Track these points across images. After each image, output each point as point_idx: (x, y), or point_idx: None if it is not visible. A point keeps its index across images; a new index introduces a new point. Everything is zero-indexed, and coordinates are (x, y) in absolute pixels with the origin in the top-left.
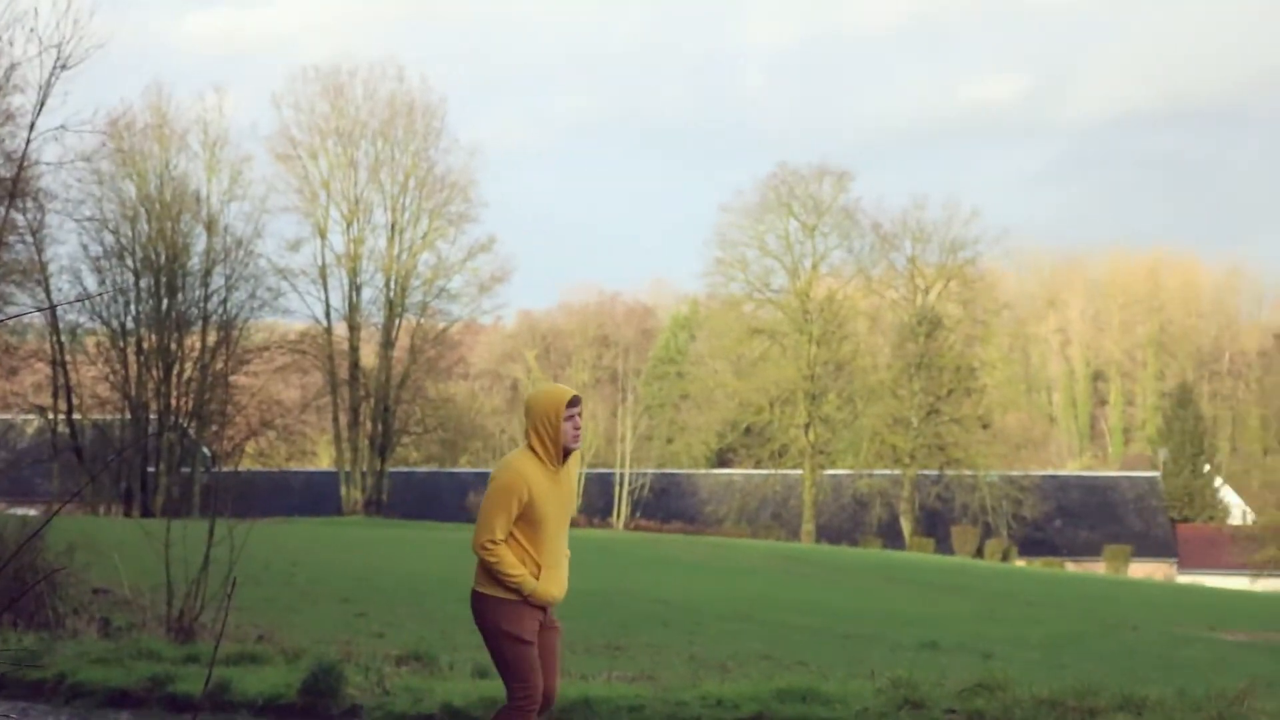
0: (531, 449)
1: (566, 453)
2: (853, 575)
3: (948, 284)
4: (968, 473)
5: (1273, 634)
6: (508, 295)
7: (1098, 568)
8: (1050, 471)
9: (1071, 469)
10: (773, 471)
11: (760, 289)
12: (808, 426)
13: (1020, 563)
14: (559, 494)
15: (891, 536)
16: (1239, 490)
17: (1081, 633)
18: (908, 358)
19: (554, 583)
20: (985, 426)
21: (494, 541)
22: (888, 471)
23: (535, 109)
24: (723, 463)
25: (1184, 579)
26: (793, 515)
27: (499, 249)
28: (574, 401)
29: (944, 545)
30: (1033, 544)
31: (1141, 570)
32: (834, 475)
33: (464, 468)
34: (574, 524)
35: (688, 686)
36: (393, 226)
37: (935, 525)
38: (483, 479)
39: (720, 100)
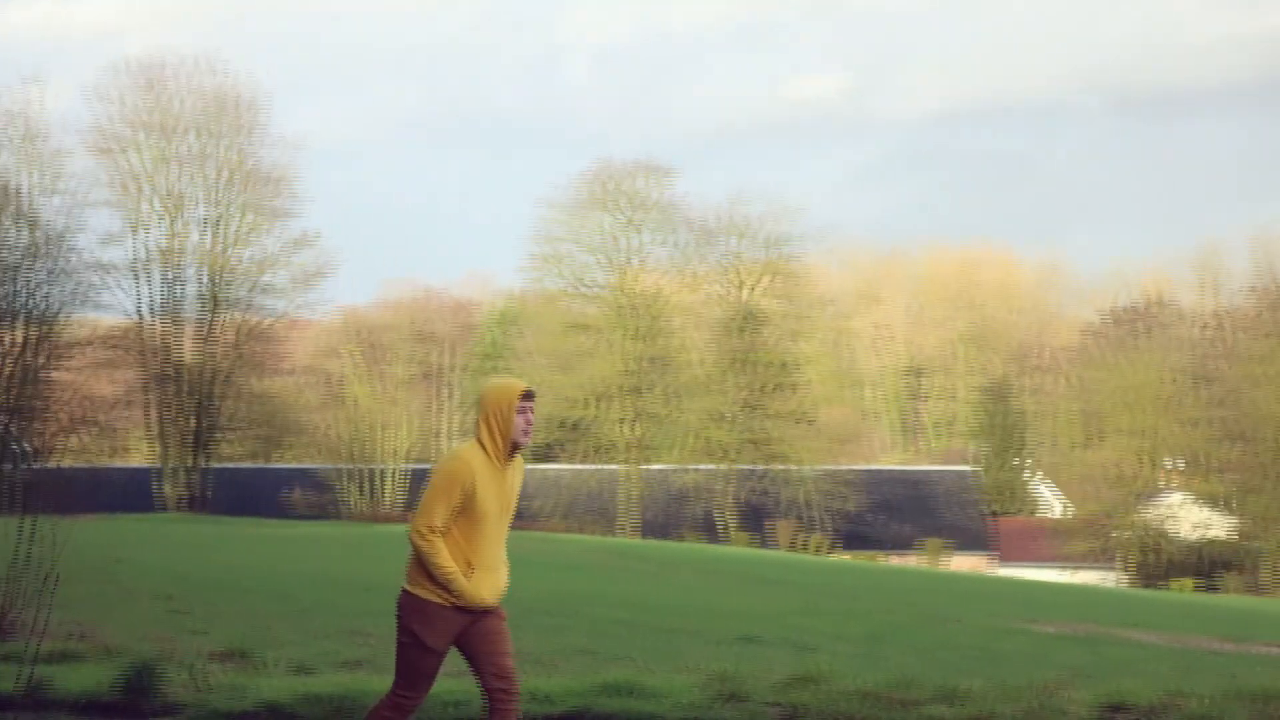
0: (480, 442)
1: (515, 449)
2: (674, 570)
3: (768, 280)
4: (788, 467)
5: (1089, 625)
6: (329, 290)
7: (916, 561)
8: (869, 466)
9: (890, 463)
10: (595, 467)
11: (581, 284)
12: (629, 422)
13: (840, 556)
14: (502, 493)
15: (712, 531)
16: (1054, 484)
17: (901, 625)
18: (728, 353)
19: (485, 585)
20: (805, 422)
21: (432, 529)
22: (708, 466)
23: (359, 103)
24: (544, 458)
25: (1001, 572)
26: (615, 510)
27: (320, 244)
28: (528, 395)
29: (764, 540)
30: (852, 538)
31: (960, 563)
32: (655, 470)
33: (284, 464)
34: (392, 520)
35: None
36: (213, 221)
37: (756, 520)
38: (303, 475)
39: (545, 95)
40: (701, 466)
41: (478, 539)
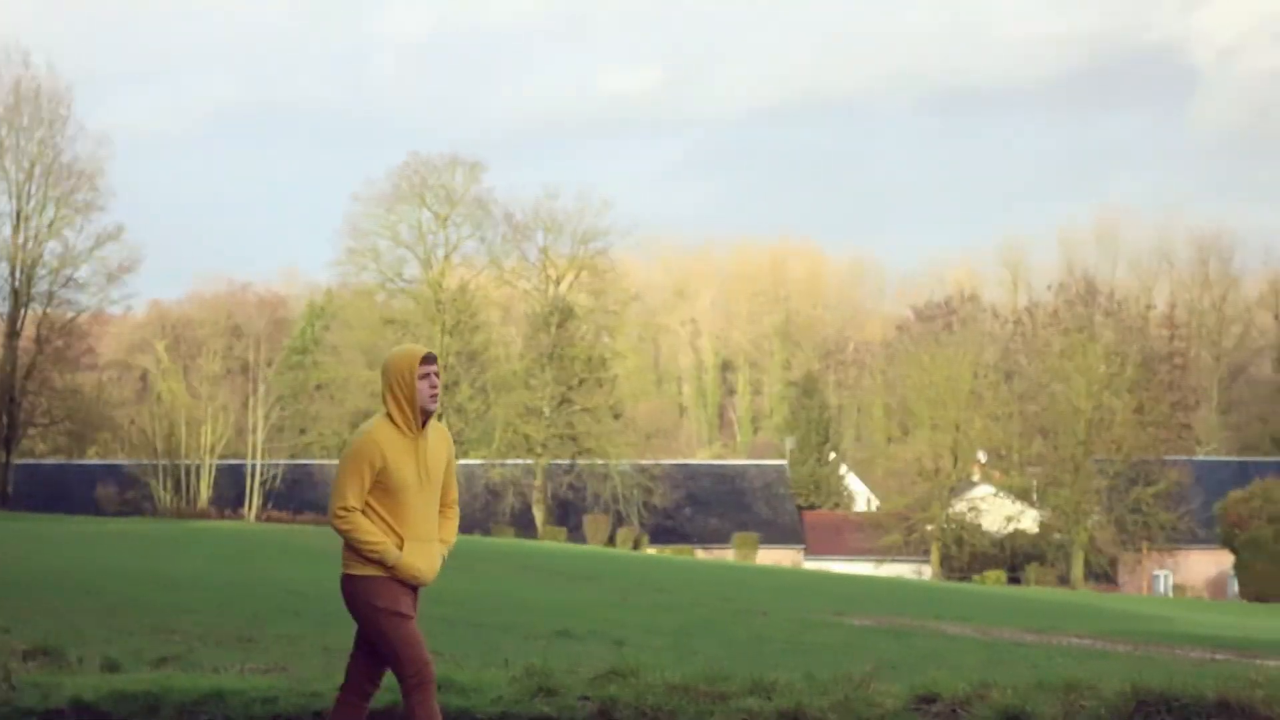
0: (388, 416)
1: (425, 415)
2: (486, 564)
3: (579, 275)
4: (599, 462)
5: (896, 617)
6: (137, 285)
7: (727, 555)
8: (680, 460)
9: (701, 458)
10: None
11: (392, 279)
12: (441, 416)
13: (652, 550)
14: (420, 462)
15: (524, 525)
16: (863, 478)
17: (712, 619)
18: (540, 348)
19: (420, 556)
20: (616, 416)
21: (346, 509)
22: (520, 461)
23: (169, 96)
24: None
25: (811, 565)
26: None
27: (128, 238)
28: (428, 359)
29: (576, 534)
30: (664, 532)
31: (770, 557)
32: (467, 465)
33: (92, 460)
34: (204, 515)
35: (322, 678)
36: (18, 214)
37: (568, 514)
38: (113, 471)
39: (358, 89)
40: (513, 461)
41: (402, 512)
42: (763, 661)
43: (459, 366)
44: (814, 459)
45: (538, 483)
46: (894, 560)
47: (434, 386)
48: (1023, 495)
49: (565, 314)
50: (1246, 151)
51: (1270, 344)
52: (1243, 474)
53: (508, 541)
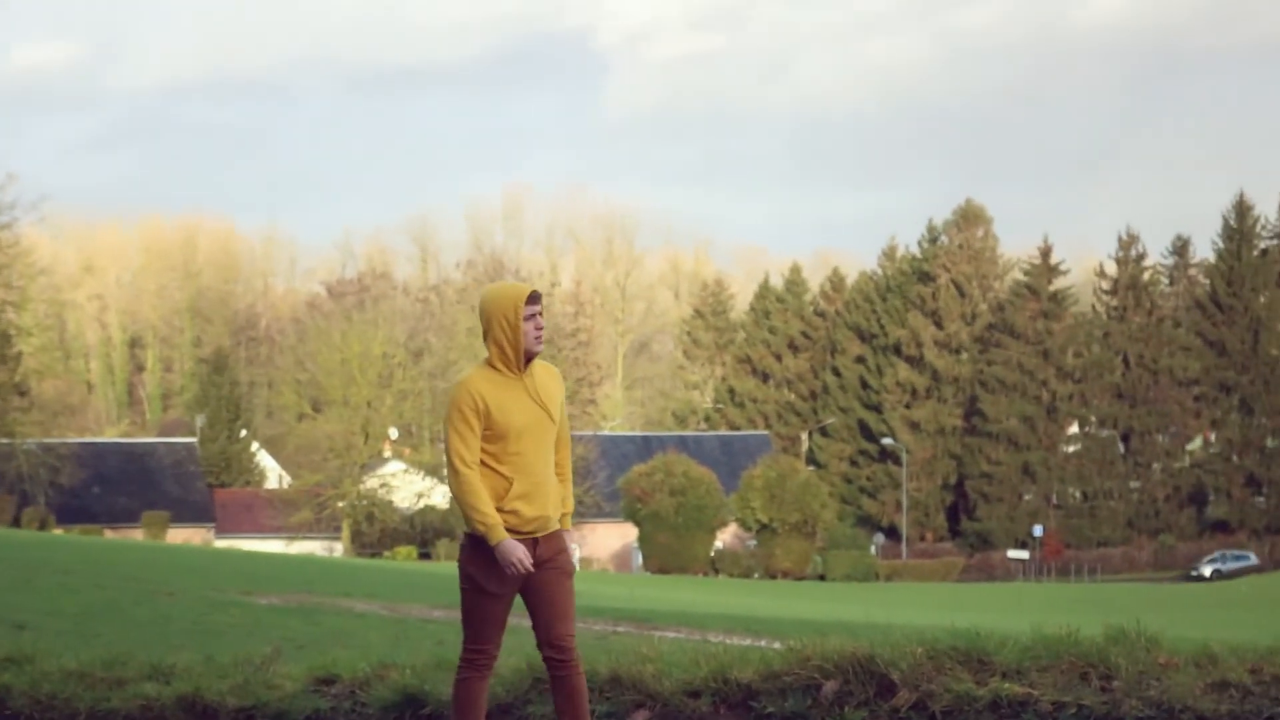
0: (488, 359)
1: (529, 357)
2: None
3: None
4: (4, 440)
5: (304, 595)
6: None
7: (136, 534)
8: (88, 439)
9: (110, 436)
10: None
11: None
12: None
13: (59, 531)
14: (525, 404)
15: None
16: (275, 455)
17: (117, 600)
18: None
19: (530, 505)
20: (22, 394)
21: (464, 462)
22: None
23: None
24: None
25: (221, 543)
26: None
27: None
28: (534, 298)
29: None
30: (71, 511)
31: (180, 535)
32: None
33: None
34: None
35: None
36: None
37: None
38: None
39: None
40: None
41: (509, 457)
42: (166, 644)
43: None
44: (225, 436)
45: None
46: (306, 537)
47: (539, 327)
48: (433, 472)
49: None
50: (652, 134)
51: (671, 321)
52: (646, 448)
53: None
